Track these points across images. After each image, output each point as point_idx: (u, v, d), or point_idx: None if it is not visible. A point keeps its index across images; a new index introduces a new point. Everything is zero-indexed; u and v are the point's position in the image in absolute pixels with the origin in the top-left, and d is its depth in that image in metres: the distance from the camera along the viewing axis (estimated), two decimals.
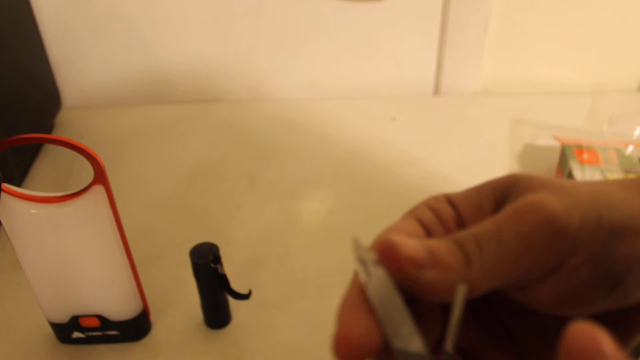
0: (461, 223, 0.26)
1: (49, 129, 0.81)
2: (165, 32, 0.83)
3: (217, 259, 0.50)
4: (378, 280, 0.22)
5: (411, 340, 0.21)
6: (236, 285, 0.52)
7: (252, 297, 0.53)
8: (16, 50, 0.71)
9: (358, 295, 0.22)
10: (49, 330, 0.53)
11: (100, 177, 0.44)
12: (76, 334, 0.52)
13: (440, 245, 0.23)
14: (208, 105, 0.87)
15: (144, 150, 0.78)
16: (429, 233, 0.25)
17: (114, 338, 0.53)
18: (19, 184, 0.69)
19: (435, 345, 0.25)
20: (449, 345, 0.22)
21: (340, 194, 0.70)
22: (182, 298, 0.57)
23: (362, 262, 0.23)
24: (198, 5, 0.81)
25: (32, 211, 0.44)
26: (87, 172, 0.44)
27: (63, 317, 0.51)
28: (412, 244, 0.22)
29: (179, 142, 0.80)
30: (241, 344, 0.54)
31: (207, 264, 0.50)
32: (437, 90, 0.90)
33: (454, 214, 0.26)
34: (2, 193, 0.43)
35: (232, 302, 0.55)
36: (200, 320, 0.55)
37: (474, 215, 0.26)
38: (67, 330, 0.52)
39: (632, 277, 0.23)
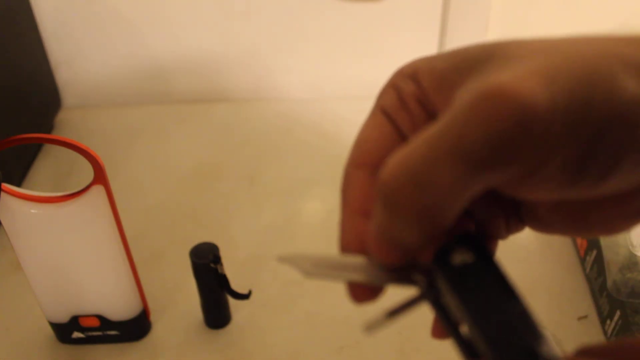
0: (425, 99, 0.24)
1: (49, 129, 0.81)
2: (166, 32, 0.83)
3: (217, 259, 0.50)
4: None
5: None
6: (236, 285, 0.52)
7: (252, 297, 0.53)
8: (16, 50, 0.71)
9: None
10: (49, 330, 0.53)
11: (100, 177, 0.44)
12: (76, 334, 0.52)
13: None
14: (208, 105, 0.87)
15: (144, 150, 0.78)
16: (395, 124, 0.25)
17: (114, 338, 0.53)
18: (19, 184, 0.69)
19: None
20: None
21: None
22: (182, 298, 0.57)
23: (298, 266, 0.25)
24: (198, 6, 0.81)
25: (32, 211, 0.44)
26: (87, 172, 0.44)
27: (63, 317, 0.51)
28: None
29: (179, 142, 0.80)
30: (241, 344, 0.54)
31: (207, 264, 0.50)
32: None
33: (415, 90, 0.24)
34: (2, 193, 0.43)
35: (232, 302, 0.55)
36: (200, 320, 0.55)
37: (436, 89, 0.23)
38: (67, 330, 0.52)
39: (617, 172, 0.19)
